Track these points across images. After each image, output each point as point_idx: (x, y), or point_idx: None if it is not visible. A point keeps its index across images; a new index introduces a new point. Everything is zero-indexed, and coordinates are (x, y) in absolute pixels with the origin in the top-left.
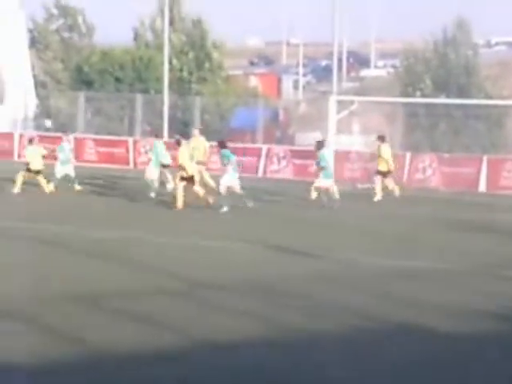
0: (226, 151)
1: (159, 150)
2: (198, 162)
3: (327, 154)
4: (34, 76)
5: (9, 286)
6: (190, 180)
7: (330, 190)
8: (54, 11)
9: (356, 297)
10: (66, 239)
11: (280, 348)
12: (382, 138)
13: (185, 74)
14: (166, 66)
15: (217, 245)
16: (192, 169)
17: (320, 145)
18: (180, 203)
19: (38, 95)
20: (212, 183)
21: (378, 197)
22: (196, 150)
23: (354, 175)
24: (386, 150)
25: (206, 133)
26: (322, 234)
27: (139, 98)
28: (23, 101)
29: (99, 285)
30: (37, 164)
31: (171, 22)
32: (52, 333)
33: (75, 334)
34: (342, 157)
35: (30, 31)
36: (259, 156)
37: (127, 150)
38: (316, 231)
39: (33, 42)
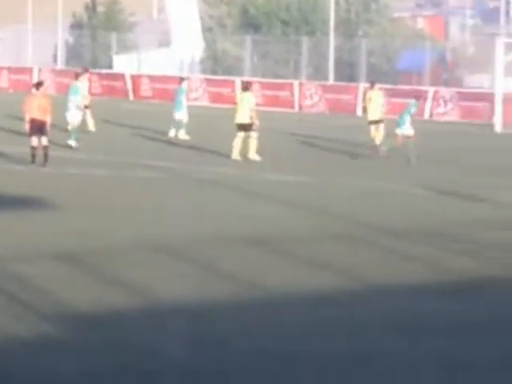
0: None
1: None
2: None
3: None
4: (201, 19)
5: (184, 227)
6: None
7: None
8: None
9: None
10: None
11: (454, 293)
12: None
13: (352, 15)
14: (332, 8)
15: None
16: None
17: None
18: None
19: (205, 39)
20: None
21: None
22: None
23: None
24: None
25: (373, 75)
26: None
27: (305, 41)
28: (190, 44)
29: (273, 228)
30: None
31: None
32: (227, 275)
33: (248, 277)
34: (510, 99)
35: None
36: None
37: (292, 94)
38: None
39: None
